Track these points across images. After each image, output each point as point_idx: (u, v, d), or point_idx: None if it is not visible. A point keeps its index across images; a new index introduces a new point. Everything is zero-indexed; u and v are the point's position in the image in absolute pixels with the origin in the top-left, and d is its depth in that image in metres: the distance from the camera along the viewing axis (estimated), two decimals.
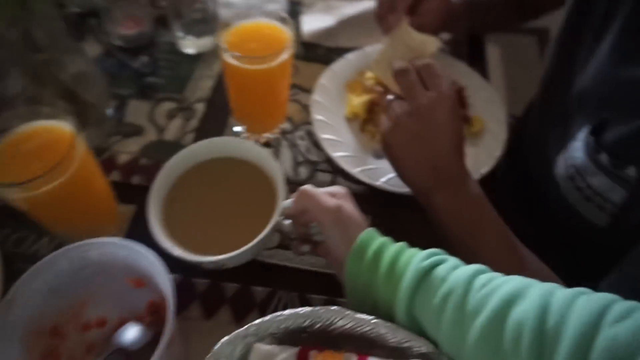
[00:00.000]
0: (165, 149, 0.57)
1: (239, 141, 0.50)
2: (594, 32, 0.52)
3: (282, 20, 0.53)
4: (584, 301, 0.30)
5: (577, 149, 0.49)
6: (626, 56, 0.46)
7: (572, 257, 0.55)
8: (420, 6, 0.59)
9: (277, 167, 0.47)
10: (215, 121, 0.62)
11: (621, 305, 0.29)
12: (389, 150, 0.49)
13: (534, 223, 0.64)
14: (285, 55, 0.50)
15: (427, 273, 0.35)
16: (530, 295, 0.31)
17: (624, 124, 0.44)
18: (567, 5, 0.58)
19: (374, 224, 0.41)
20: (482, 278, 0.34)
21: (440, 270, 0.35)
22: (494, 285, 0.33)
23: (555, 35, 0.60)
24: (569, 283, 0.34)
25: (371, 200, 0.54)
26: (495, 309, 0.31)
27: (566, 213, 0.51)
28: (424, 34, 0.52)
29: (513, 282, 0.33)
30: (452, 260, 0.36)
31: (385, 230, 0.40)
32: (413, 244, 0.39)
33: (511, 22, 0.77)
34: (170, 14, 0.66)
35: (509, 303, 0.31)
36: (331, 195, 0.43)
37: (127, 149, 0.58)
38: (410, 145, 0.47)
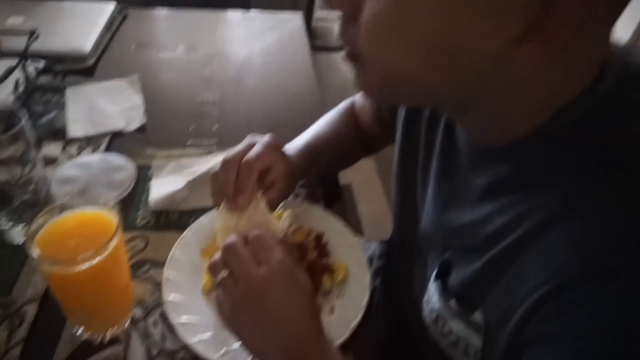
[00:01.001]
0: None
1: None
2: (421, 174, 0.56)
3: (106, 207, 0.50)
4: None
5: (432, 292, 0.49)
6: (445, 202, 0.49)
7: None
8: (264, 180, 0.58)
9: None
10: (49, 325, 0.53)
11: None
12: (234, 335, 0.45)
13: None
14: (111, 247, 0.46)
15: None
16: None
17: (463, 267, 0.45)
18: (396, 145, 0.62)
19: None
20: None
21: None
22: None
23: (394, 170, 0.63)
24: None
25: None
26: None
27: (441, 359, 0.50)
28: (274, 214, 0.53)
29: None
30: None
31: None
32: None
33: (360, 157, 0.82)
34: None
35: None
36: None
37: None
38: (253, 330, 0.44)
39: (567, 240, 0.33)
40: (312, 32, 2.92)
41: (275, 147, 0.59)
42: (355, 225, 1.77)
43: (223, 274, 0.46)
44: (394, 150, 0.62)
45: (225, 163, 0.55)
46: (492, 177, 0.41)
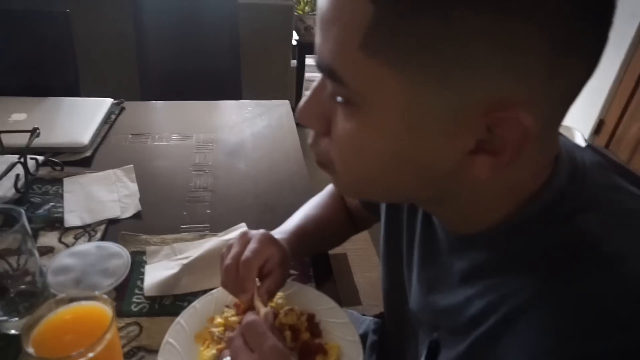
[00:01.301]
0: None
1: None
2: (406, 257, 0.59)
3: (101, 299, 0.51)
4: None
5: None
6: (429, 285, 0.52)
7: None
8: (261, 271, 0.61)
9: None
10: None
11: None
12: None
13: None
14: (106, 340, 0.47)
15: None
16: None
17: (450, 348, 0.47)
18: (381, 228, 0.66)
19: None
20: None
21: None
22: None
23: (381, 251, 0.66)
24: None
25: None
26: None
27: None
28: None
29: None
30: None
31: None
32: None
33: (349, 236, 0.85)
34: None
35: None
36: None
37: None
38: None
39: (539, 327, 0.35)
40: None
41: (269, 241, 0.62)
42: (352, 294, 1.77)
43: (226, 358, 0.49)
44: (380, 231, 0.65)
45: (228, 267, 0.59)
46: (469, 263, 0.44)
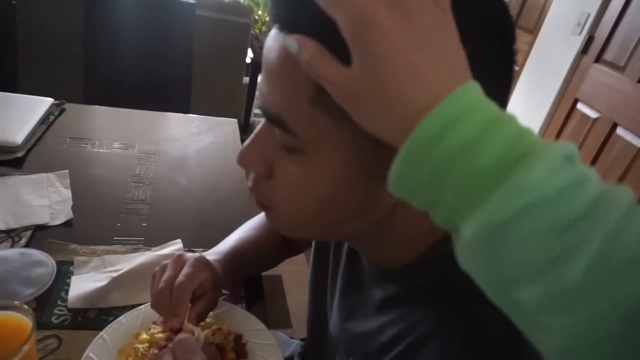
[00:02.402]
0: None
1: None
2: (330, 284, 0.62)
3: (22, 309, 0.50)
4: None
5: None
6: (347, 312, 0.55)
7: None
8: (194, 294, 0.62)
9: None
10: None
11: None
12: None
13: None
14: (23, 352, 0.46)
15: None
16: None
17: None
18: (312, 253, 0.69)
19: None
20: None
21: None
22: None
23: (309, 278, 0.69)
24: None
25: None
26: None
27: None
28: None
29: None
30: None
31: None
32: None
33: (283, 259, 0.87)
34: None
35: None
36: None
37: None
38: None
39: (436, 357, 0.39)
40: (250, 128, 3.08)
41: (203, 265, 0.63)
42: (283, 315, 1.77)
43: None
44: (310, 260, 0.68)
45: (161, 290, 0.59)
46: (385, 293, 0.48)
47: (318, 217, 0.42)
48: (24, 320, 0.50)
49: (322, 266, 0.64)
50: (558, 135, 2.44)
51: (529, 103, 2.67)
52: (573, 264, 0.24)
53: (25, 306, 0.50)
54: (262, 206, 0.45)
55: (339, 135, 0.36)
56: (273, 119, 0.38)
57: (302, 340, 0.91)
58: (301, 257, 2.08)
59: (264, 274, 0.85)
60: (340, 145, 0.37)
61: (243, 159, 0.42)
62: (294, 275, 1.98)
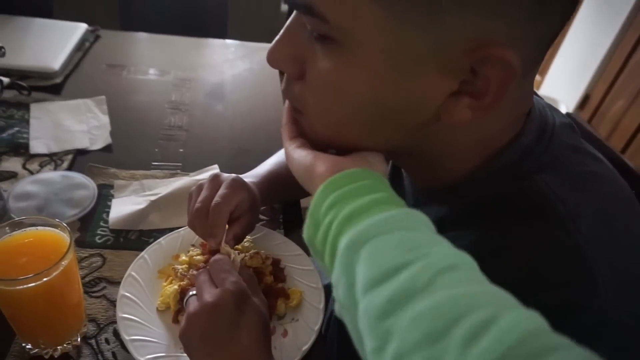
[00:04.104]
0: None
1: None
2: None
3: (60, 226, 0.50)
4: None
5: None
6: None
7: None
8: (231, 216, 0.60)
9: None
10: None
11: None
12: (186, 350, 0.47)
13: None
14: (62, 266, 0.47)
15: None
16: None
17: None
18: None
19: None
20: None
21: None
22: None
23: None
24: None
25: None
26: None
27: None
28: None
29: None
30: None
31: None
32: None
33: None
34: None
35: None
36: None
37: None
38: (202, 346, 0.46)
39: (494, 279, 0.36)
40: None
41: (240, 186, 0.61)
42: None
43: (192, 291, 0.50)
44: None
45: (197, 210, 0.58)
46: (432, 216, 0.44)
47: (353, 121, 0.38)
48: (62, 237, 0.50)
49: None
50: (625, 63, 2.22)
51: (595, 27, 2.43)
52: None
53: (64, 223, 0.50)
54: (295, 111, 0.42)
55: (375, 19, 0.32)
56: (301, 5, 0.35)
57: None
58: None
59: (303, 206, 0.84)
60: (377, 31, 0.32)
61: (272, 56, 0.39)
62: None
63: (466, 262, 0.29)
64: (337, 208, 0.33)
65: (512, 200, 0.39)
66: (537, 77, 2.76)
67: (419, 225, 0.32)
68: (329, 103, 0.38)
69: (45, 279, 0.46)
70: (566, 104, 2.50)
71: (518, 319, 0.25)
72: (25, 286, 0.45)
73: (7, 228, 0.49)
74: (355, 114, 0.37)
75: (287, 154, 0.42)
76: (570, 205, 0.37)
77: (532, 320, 0.25)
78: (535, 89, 0.43)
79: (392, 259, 0.29)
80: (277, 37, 0.39)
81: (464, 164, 0.41)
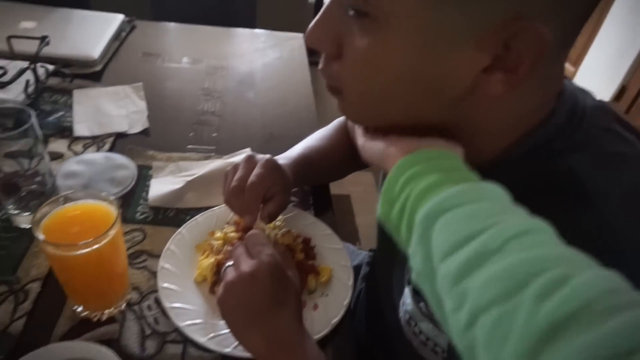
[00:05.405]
0: None
1: (79, 344, 0.46)
2: None
3: (107, 200, 0.54)
4: None
5: (407, 295, 0.53)
6: None
7: None
8: (265, 195, 0.63)
9: None
10: (51, 302, 0.57)
11: None
12: (223, 316, 0.50)
13: None
14: (110, 235, 0.51)
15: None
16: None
17: None
18: None
19: None
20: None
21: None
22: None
23: (380, 184, 0.68)
24: None
25: None
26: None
27: (413, 357, 0.54)
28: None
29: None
30: None
31: None
32: None
33: (350, 171, 0.87)
34: (0, 191, 0.63)
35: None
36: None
37: None
38: (238, 313, 0.48)
39: None
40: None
41: (274, 167, 0.64)
42: (351, 235, 1.82)
43: (229, 262, 0.52)
44: None
45: (234, 189, 0.60)
46: None
47: (390, 97, 0.39)
48: (111, 209, 0.54)
49: None
50: None
51: (631, 16, 2.36)
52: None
53: (112, 197, 0.54)
54: (333, 90, 0.43)
55: None
56: None
57: (369, 251, 0.92)
58: (369, 178, 2.10)
59: (332, 193, 0.86)
60: (414, 7, 0.34)
61: (311, 36, 0.41)
62: (363, 195, 2.00)
63: (540, 227, 0.31)
64: (413, 184, 0.35)
65: (542, 179, 0.40)
66: (571, 68, 2.70)
67: (492, 197, 0.33)
68: (366, 80, 0.39)
69: (95, 246, 0.49)
70: (601, 96, 2.43)
71: (594, 277, 0.26)
72: (78, 252, 0.49)
73: (61, 199, 0.53)
74: (392, 90, 0.39)
75: (361, 146, 0.45)
76: (599, 184, 0.38)
77: (609, 278, 0.26)
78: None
79: (466, 228, 0.31)
80: (316, 18, 0.40)
81: (496, 143, 0.42)
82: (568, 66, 2.67)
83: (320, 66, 0.43)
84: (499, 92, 0.36)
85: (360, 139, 0.46)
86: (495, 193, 0.34)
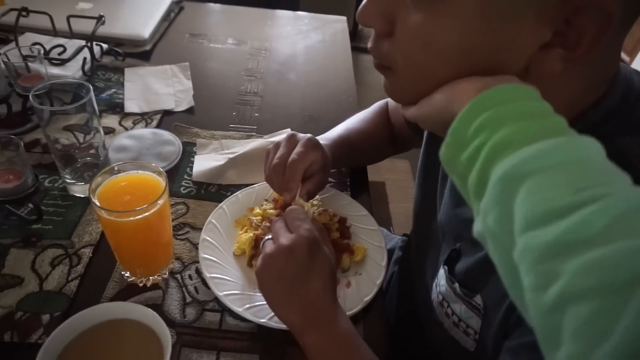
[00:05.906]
0: (45, 300, 0.56)
1: (127, 305, 0.50)
2: (442, 173, 0.61)
3: (157, 172, 0.57)
4: None
5: (441, 276, 0.54)
6: (460, 197, 0.54)
7: None
8: (305, 173, 0.64)
9: (163, 328, 0.47)
10: (101, 266, 0.61)
11: None
12: (260, 288, 0.52)
13: (415, 346, 0.67)
14: (159, 205, 0.53)
15: None
16: None
17: (470, 256, 0.50)
18: (422, 146, 0.67)
19: None
20: None
21: None
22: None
23: (418, 169, 0.69)
24: None
25: (259, 337, 0.56)
26: None
27: (443, 337, 0.55)
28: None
29: None
30: None
31: None
32: None
33: (388, 154, 0.87)
34: (58, 161, 0.68)
35: None
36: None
37: (1, 303, 0.55)
38: (275, 284, 0.50)
39: None
40: (359, 35, 2.99)
41: (314, 145, 0.65)
42: (385, 221, 1.82)
43: (268, 236, 0.54)
44: (421, 150, 0.67)
45: (275, 166, 0.62)
46: None
47: (442, 74, 0.38)
48: (159, 180, 0.57)
49: (434, 153, 0.62)
50: None
51: None
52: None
53: (160, 168, 0.57)
54: (382, 68, 0.43)
55: None
56: None
57: (403, 235, 0.93)
58: (405, 166, 2.09)
59: (368, 179, 0.86)
60: None
61: (363, 14, 0.40)
62: (398, 183, 1.99)
63: None
64: (489, 130, 0.31)
65: None
66: (626, 57, 2.56)
67: (592, 156, 0.29)
68: (418, 57, 0.38)
69: (145, 214, 0.52)
70: None
71: None
72: (128, 219, 0.52)
73: (115, 167, 0.56)
74: (445, 67, 0.37)
75: (415, 110, 0.41)
76: None
77: None
78: None
79: (561, 197, 0.26)
80: None
81: None
82: (623, 55, 2.53)
83: (369, 45, 0.43)
84: (556, 70, 0.35)
85: (411, 107, 0.42)
86: (595, 151, 0.29)
